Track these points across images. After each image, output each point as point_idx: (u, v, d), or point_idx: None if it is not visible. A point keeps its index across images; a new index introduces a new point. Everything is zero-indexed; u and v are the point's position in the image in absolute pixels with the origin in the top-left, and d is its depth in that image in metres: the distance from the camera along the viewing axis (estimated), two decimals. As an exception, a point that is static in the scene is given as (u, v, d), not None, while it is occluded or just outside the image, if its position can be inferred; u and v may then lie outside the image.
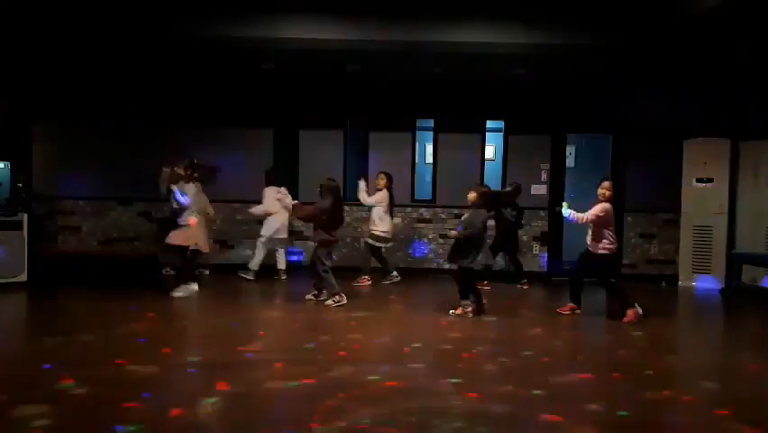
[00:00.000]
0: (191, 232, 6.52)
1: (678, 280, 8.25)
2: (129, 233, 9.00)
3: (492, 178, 9.02)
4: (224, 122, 8.84)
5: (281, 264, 7.98)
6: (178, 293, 6.44)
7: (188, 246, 6.58)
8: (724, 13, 5.80)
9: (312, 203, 6.66)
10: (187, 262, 6.72)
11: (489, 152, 9.35)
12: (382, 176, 7.76)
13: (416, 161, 9.06)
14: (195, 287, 6.63)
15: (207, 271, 8.03)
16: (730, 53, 6.96)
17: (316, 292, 6.34)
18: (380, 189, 7.69)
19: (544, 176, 8.84)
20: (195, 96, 8.82)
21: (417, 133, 9.08)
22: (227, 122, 8.85)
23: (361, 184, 7.75)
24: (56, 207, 8.96)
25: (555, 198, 8.28)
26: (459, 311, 5.76)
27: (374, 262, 7.77)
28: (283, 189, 7.76)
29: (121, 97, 8.84)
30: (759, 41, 6.51)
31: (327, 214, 6.17)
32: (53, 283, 7.01)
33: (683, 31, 6.48)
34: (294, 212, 7.00)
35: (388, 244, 7.92)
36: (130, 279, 7.26)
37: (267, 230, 7.76)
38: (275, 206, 7.67)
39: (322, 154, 8.82)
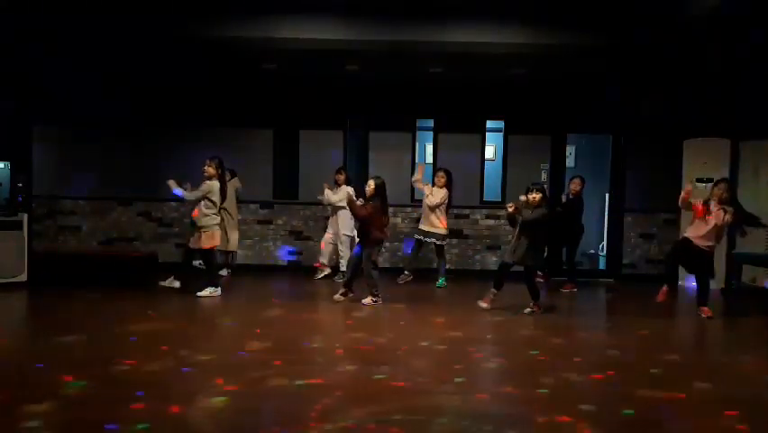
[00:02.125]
0: (216, 232, 6.56)
1: (678, 280, 8.23)
2: (129, 233, 9.01)
3: (492, 178, 9.03)
4: (224, 122, 8.84)
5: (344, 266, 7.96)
6: (204, 293, 6.46)
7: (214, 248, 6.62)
8: (724, 13, 5.80)
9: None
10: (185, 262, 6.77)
11: (489, 151, 9.35)
12: (442, 174, 7.70)
13: (416, 161, 9.05)
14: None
15: (227, 272, 8.02)
16: (730, 53, 6.96)
17: (345, 291, 6.39)
18: (441, 187, 7.64)
19: (544, 176, 8.84)
20: (195, 95, 8.82)
21: (417, 133, 9.08)
22: (227, 122, 8.85)
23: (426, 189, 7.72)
24: (56, 206, 8.98)
25: (555, 197, 8.26)
26: (536, 309, 6.01)
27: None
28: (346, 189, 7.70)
29: (121, 97, 8.85)
30: (759, 41, 6.51)
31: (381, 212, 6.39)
32: (53, 283, 7.01)
33: (683, 31, 6.48)
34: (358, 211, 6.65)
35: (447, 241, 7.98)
36: (130, 279, 7.26)
37: (347, 229, 7.69)
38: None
39: (322, 154, 8.82)
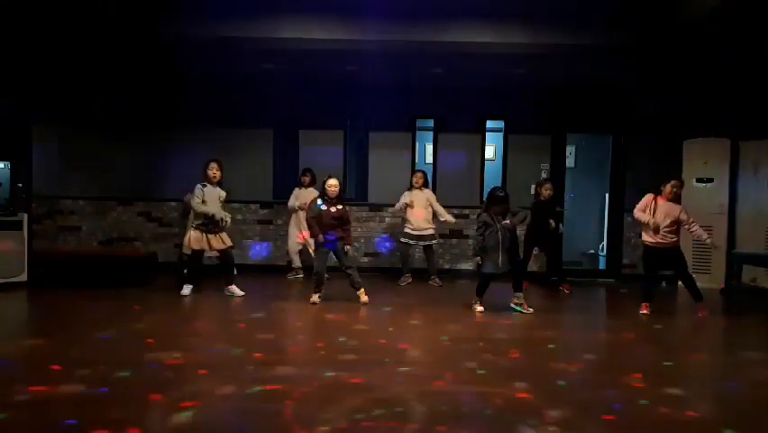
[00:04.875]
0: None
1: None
2: (129, 233, 9.01)
3: (492, 178, 9.03)
4: (224, 122, 8.85)
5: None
6: (236, 291, 6.63)
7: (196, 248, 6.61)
8: (723, 13, 5.80)
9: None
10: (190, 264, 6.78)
11: (489, 151, 9.35)
12: (421, 174, 7.88)
13: (416, 161, 9.06)
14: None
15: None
16: (730, 53, 6.96)
17: (320, 294, 6.29)
18: (421, 188, 7.81)
19: (544, 176, 8.83)
20: (195, 96, 8.83)
21: (417, 133, 9.08)
22: (227, 122, 8.85)
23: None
24: (56, 207, 8.98)
25: (555, 197, 8.25)
26: (517, 303, 6.04)
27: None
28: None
29: (121, 97, 8.85)
30: (758, 41, 6.51)
31: None
32: (53, 283, 7.01)
33: (683, 31, 6.48)
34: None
35: None
36: (130, 279, 7.26)
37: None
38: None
39: (322, 154, 8.82)
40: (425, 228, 7.73)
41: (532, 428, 2.99)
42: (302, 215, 7.58)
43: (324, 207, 6.19)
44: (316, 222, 6.17)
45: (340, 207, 6.25)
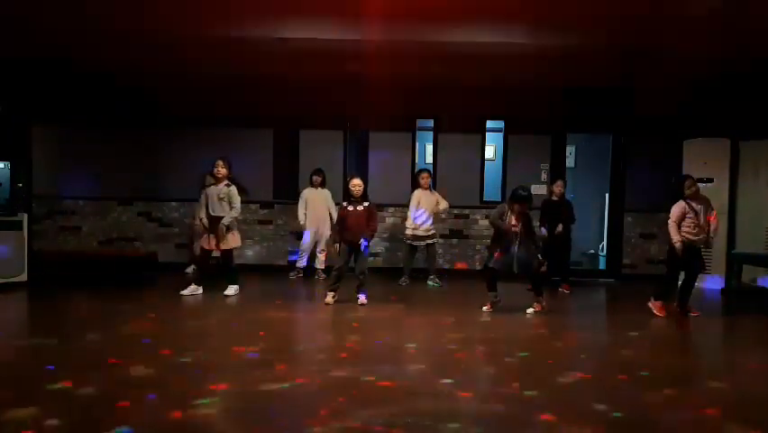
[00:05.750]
0: (237, 233, 6.75)
1: (678, 280, 8.23)
2: (129, 233, 9.01)
3: (492, 178, 9.03)
4: (224, 122, 8.85)
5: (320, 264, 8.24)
6: (230, 292, 6.61)
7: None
8: (724, 13, 5.80)
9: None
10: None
11: (489, 151, 9.36)
12: (428, 174, 7.91)
13: (416, 161, 9.06)
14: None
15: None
16: (730, 53, 6.96)
17: (335, 293, 6.28)
18: (427, 189, 7.84)
19: (544, 176, 8.84)
20: (195, 95, 8.82)
21: (417, 133, 9.09)
22: (227, 122, 8.85)
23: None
24: (56, 207, 8.98)
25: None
26: (539, 309, 5.99)
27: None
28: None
29: (121, 97, 8.85)
30: (759, 41, 6.51)
31: None
32: (53, 283, 7.01)
33: (683, 30, 6.47)
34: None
35: None
36: (130, 279, 7.27)
37: (329, 229, 8.00)
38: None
39: (322, 154, 8.82)
40: (426, 229, 7.72)
41: (534, 428, 2.99)
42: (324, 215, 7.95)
43: (350, 208, 6.22)
44: (341, 223, 6.24)
45: (366, 204, 6.27)
